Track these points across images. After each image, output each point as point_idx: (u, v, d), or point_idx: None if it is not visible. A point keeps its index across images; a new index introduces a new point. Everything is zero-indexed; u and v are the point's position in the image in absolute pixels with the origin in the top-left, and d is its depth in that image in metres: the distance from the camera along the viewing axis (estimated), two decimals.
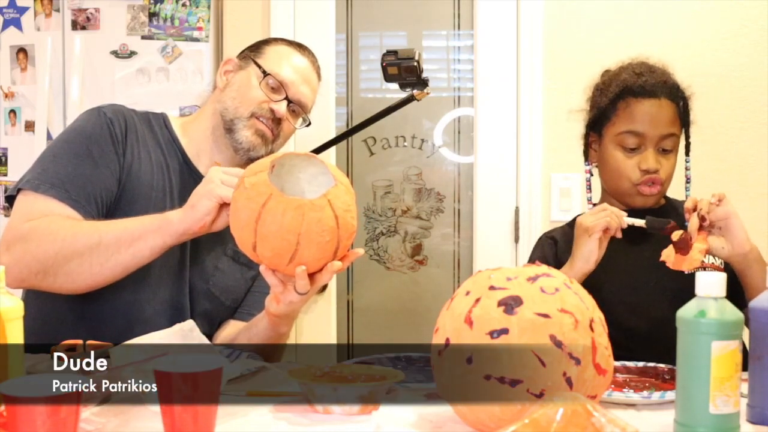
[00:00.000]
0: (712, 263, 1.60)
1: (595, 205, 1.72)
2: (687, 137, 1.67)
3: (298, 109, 1.67)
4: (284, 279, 1.36)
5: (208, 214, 1.39)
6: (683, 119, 1.65)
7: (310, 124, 1.73)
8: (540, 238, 1.77)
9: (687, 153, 1.68)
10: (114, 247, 1.42)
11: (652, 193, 1.61)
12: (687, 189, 1.69)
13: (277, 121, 1.63)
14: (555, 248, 1.71)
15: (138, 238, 1.42)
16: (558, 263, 1.67)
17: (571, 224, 1.76)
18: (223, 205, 1.39)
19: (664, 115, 1.61)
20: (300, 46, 1.73)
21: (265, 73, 1.63)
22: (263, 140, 1.62)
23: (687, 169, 1.68)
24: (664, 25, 2.47)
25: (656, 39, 2.43)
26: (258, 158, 1.50)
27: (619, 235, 1.52)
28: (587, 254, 1.51)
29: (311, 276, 1.33)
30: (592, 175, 1.73)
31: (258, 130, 1.61)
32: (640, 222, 1.53)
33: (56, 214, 1.47)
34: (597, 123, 1.66)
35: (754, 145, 2.47)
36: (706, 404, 1.02)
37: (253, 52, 1.69)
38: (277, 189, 1.27)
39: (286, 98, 1.64)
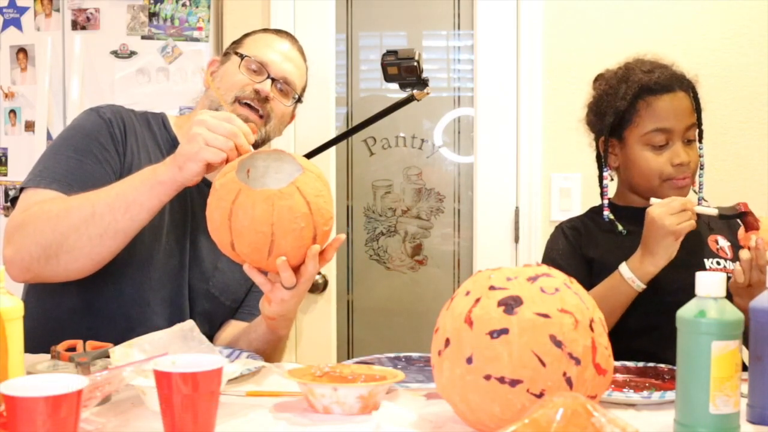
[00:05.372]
0: (732, 269, 1.59)
1: (610, 200, 1.71)
2: (700, 124, 1.68)
3: (285, 87, 1.67)
4: (271, 277, 1.35)
5: (197, 175, 1.37)
6: (696, 107, 1.66)
7: (301, 100, 1.72)
8: (559, 228, 1.75)
9: (700, 140, 1.69)
10: (109, 216, 1.39)
11: (685, 185, 1.62)
12: (700, 176, 1.68)
13: (263, 100, 1.62)
14: (580, 239, 1.70)
15: (132, 203, 1.39)
16: (582, 255, 1.66)
17: (589, 215, 1.76)
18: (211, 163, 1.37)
19: (684, 106, 1.62)
20: (279, 32, 1.75)
21: (243, 56, 1.64)
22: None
23: (700, 156, 1.67)
24: (664, 25, 2.47)
25: (656, 39, 2.42)
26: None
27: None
28: (671, 253, 1.49)
29: (296, 269, 1.33)
30: (612, 179, 1.73)
31: (241, 115, 1.57)
32: (712, 211, 1.53)
33: (52, 198, 1.47)
34: (616, 128, 1.66)
35: (754, 145, 2.47)
36: (706, 404, 1.02)
37: (233, 45, 1.72)
38: (245, 185, 1.28)
39: (270, 77, 1.63)
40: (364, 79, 2.67)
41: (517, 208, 2.52)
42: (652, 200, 1.53)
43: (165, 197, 1.41)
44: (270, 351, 1.55)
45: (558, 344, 0.99)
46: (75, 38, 2.48)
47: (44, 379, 0.91)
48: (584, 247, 1.68)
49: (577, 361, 0.99)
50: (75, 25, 2.49)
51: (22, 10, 2.54)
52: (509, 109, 2.52)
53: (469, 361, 1.00)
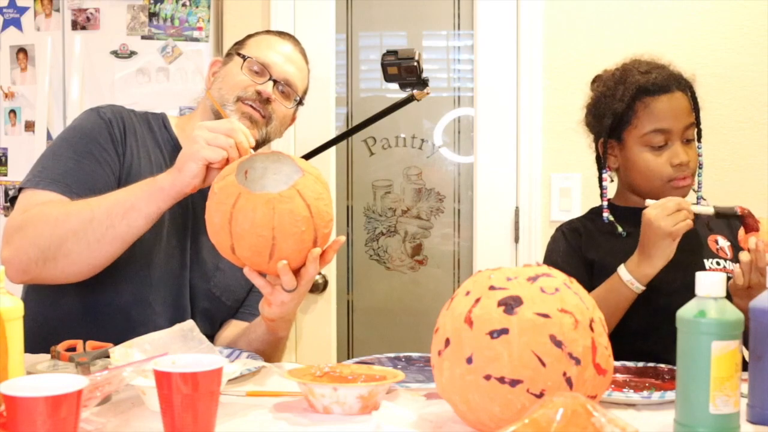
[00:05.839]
0: (732, 269, 1.59)
1: (610, 201, 1.72)
2: (698, 123, 1.68)
3: (287, 89, 1.67)
4: (271, 280, 1.35)
5: (196, 176, 1.38)
6: (694, 106, 1.66)
7: (302, 103, 1.72)
8: (560, 230, 1.75)
9: (698, 139, 1.68)
10: (107, 221, 1.40)
11: (686, 184, 1.62)
12: (699, 175, 1.68)
13: (265, 101, 1.62)
14: (580, 241, 1.70)
15: (131, 208, 1.40)
16: (583, 256, 1.66)
17: (589, 216, 1.76)
18: (210, 164, 1.38)
19: (682, 106, 1.63)
20: (282, 34, 1.75)
21: (245, 57, 1.64)
22: (252, 123, 1.61)
23: (699, 155, 1.67)
24: (663, 25, 2.47)
25: (656, 39, 2.43)
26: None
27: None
28: (669, 254, 1.49)
29: (296, 272, 1.33)
30: (612, 180, 1.73)
31: (245, 113, 1.60)
32: (709, 210, 1.53)
33: (51, 201, 1.47)
34: (615, 129, 1.66)
35: (754, 145, 2.47)
36: (706, 404, 1.02)
37: (236, 46, 1.72)
38: (245, 188, 1.28)
39: (271, 79, 1.64)
40: (364, 79, 2.67)
41: (517, 208, 2.52)
42: (648, 202, 1.53)
43: (163, 204, 1.41)
44: (270, 351, 1.55)
45: (558, 344, 0.99)
46: (75, 38, 2.48)
47: (44, 379, 0.91)
48: (584, 249, 1.68)
49: (577, 361, 0.99)
50: (75, 25, 2.49)
51: (22, 10, 2.54)
52: (509, 109, 2.52)
53: (469, 361, 1.00)
